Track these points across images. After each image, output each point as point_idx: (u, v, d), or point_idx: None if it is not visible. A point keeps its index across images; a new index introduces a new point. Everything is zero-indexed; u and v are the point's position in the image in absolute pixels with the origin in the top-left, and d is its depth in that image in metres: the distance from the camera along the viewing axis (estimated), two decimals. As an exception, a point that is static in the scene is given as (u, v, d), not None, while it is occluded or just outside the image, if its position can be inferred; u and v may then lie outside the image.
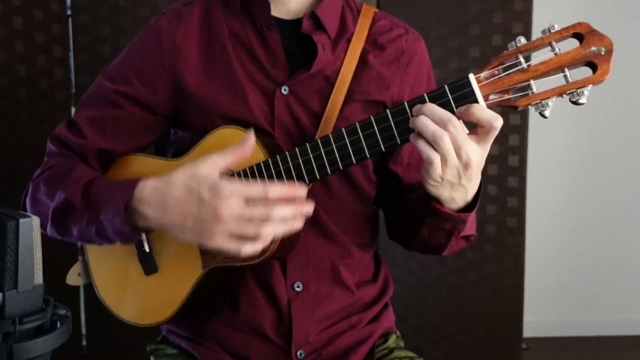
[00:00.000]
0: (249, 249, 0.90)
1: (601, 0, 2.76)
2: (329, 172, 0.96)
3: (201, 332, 1.12)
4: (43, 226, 1.03)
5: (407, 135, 0.91)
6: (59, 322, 0.70)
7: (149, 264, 1.07)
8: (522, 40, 0.88)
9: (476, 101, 0.88)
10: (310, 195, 1.05)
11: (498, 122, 0.87)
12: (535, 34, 0.89)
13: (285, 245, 0.98)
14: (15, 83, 1.93)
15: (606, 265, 2.94)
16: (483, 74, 0.89)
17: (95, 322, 2.08)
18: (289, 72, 1.07)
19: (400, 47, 1.12)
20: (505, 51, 0.89)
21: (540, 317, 2.84)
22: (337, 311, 1.11)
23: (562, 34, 0.88)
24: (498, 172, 2.08)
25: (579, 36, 0.88)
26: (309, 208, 0.92)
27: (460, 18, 2.06)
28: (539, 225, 2.67)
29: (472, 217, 1.01)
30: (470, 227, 1.05)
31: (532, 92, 0.88)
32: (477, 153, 0.89)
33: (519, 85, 0.89)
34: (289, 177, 0.97)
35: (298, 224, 0.92)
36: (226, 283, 1.08)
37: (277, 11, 1.09)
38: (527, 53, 0.89)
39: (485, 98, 0.89)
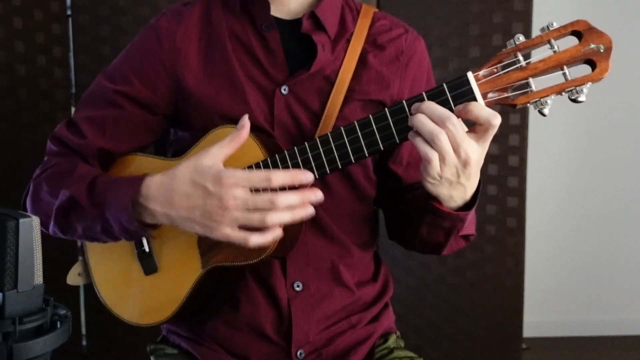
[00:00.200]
0: (256, 239, 0.91)
1: (601, 0, 2.76)
2: (328, 171, 0.96)
3: (201, 332, 1.12)
4: (45, 225, 1.03)
5: (406, 134, 0.91)
6: (59, 322, 0.70)
7: (148, 264, 1.07)
8: (521, 38, 0.88)
9: (475, 99, 0.88)
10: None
11: (496, 120, 0.87)
12: (535, 34, 0.89)
13: (285, 244, 0.98)
14: (15, 83, 1.93)
15: (606, 265, 2.95)
16: (482, 72, 0.89)
17: (95, 322, 2.08)
18: (289, 72, 1.07)
19: (399, 47, 1.12)
20: (503, 49, 0.89)
21: (540, 317, 2.84)
22: (337, 311, 1.11)
23: (561, 32, 0.87)
24: (498, 172, 2.08)
25: (577, 34, 0.88)
26: (318, 194, 0.92)
27: (460, 18, 2.06)
28: (539, 225, 2.67)
29: (471, 216, 1.01)
30: (469, 226, 1.05)
31: (531, 90, 0.88)
32: (476, 151, 0.89)
33: (518, 83, 0.89)
34: None
35: (307, 211, 0.92)
36: (226, 283, 1.08)
37: (277, 11, 1.09)
38: (525, 51, 0.89)
39: (484, 96, 0.89)
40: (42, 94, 1.99)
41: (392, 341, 1.18)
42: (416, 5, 2.06)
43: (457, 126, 0.87)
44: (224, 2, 1.10)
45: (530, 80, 0.88)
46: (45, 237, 0.94)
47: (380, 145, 0.93)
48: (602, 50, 0.86)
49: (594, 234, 2.93)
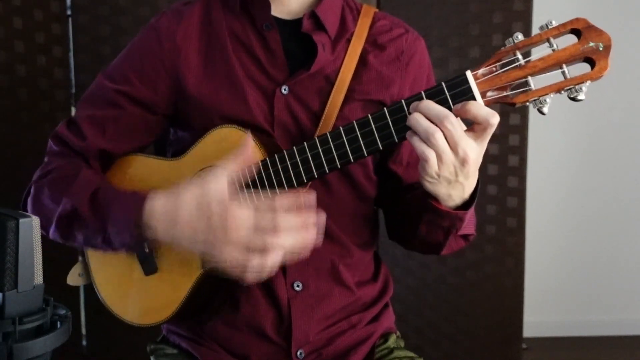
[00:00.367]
0: (257, 261, 0.88)
1: (601, 0, 2.76)
2: (327, 171, 0.96)
3: (201, 331, 1.12)
4: (45, 229, 1.02)
5: (405, 133, 0.91)
6: (59, 322, 0.70)
7: (148, 264, 1.07)
8: (520, 36, 0.88)
9: (473, 98, 0.88)
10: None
11: (494, 119, 0.87)
12: (535, 33, 0.89)
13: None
14: (15, 83, 1.93)
15: (606, 265, 2.95)
16: (480, 71, 0.89)
17: (95, 322, 2.08)
18: (289, 72, 1.07)
19: (400, 47, 1.12)
20: (502, 48, 0.89)
21: (540, 317, 2.84)
22: (337, 311, 1.11)
23: (560, 30, 0.87)
24: (498, 172, 2.08)
25: (576, 32, 0.88)
26: (320, 218, 0.90)
27: (460, 18, 2.06)
28: (539, 225, 2.67)
29: (469, 215, 1.01)
30: (468, 226, 1.05)
31: (530, 89, 0.88)
32: (475, 150, 0.89)
33: (517, 82, 0.88)
34: (287, 176, 0.97)
35: (310, 235, 0.88)
36: (226, 283, 1.08)
37: (277, 11, 1.09)
38: (524, 49, 0.89)
39: (483, 95, 0.89)
40: (42, 94, 1.99)
41: (392, 341, 1.18)
42: (416, 5, 2.06)
43: (455, 125, 0.87)
44: (224, 2, 1.10)
45: (530, 78, 0.88)
46: (45, 237, 0.94)
47: (380, 145, 0.93)
48: (601, 49, 0.86)
49: (594, 234, 2.93)
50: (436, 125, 0.87)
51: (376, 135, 0.93)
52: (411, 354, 1.17)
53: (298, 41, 1.08)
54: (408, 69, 1.12)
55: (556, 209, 2.91)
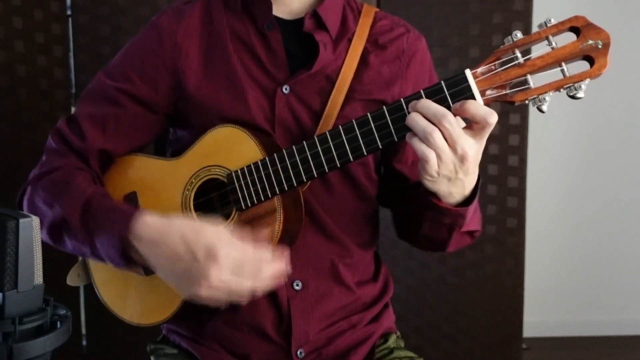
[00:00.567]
0: (229, 298, 0.91)
1: (601, 1, 2.76)
2: (327, 170, 0.96)
3: (201, 331, 1.12)
4: None
5: (404, 132, 0.91)
6: (59, 322, 0.70)
7: (148, 264, 1.07)
8: (519, 34, 0.88)
9: (473, 97, 0.88)
10: (310, 193, 1.06)
11: (492, 118, 0.87)
12: (535, 33, 0.89)
13: (285, 243, 0.98)
14: (15, 83, 1.93)
15: (606, 265, 2.94)
16: (480, 70, 0.89)
17: (95, 322, 2.08)
18: (290, 71, 1.07)
19: (401, 47, 1.12)
20: (501, 46, 0.89)
21: (540, 317, 2.84)
22: (336, 310, 1.11)
23: (559, 28, 0.87)
24: (498, 172, 2.08)
25: (575, 30, 0.88)
26: (287, 270, 0.94)
27: (460, 18, 2.06)
28: (539, 225, 2.67)
29: (472, 211, 1.01)
30: (472, 222, 1.05)
31: (529, 87, 0.88)
32: (473, 147, 0.89)
33: (516, 80, 0.89)
34: (287, 175, 0.97)
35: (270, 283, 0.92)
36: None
37: (278, 11, 1.09)
38: (523, 48, 0.89)
39: (482, 93, 0.89)
40: (42, 94, 1.99)
41: (392, 341, 1.18)
42: (416, 5, 2.06)
43: (453, 124, 0.87)
44: (225, 1, 1.10)
45: (529, 77, 0.88)
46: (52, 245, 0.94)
47: (379, 144, 0.93)
48: (600, 46, 0.86)
49: (594, 234, 2.93)
50: (434, 125, 0.87)
51: (375, 134, 0.93)
52: (411, 354, 1.17)
53: (299, 41, 1.08)
54: (409, 68, 1.12)
55: (556, 209, 2.91)
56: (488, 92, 0.89)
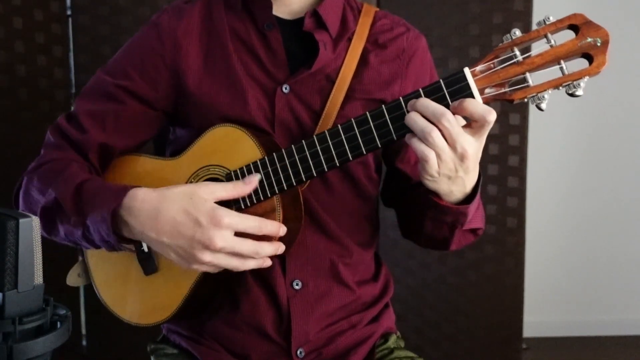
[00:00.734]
0: (234, 264, 0.94)
1: (601, 1, 2.76)
2: (326, 169, 0.96)
3: (201, 331, 1.12)
4: None
5: (403, 131, 0.91)
6: (59, 322, 0.70)
7: (148, 264, 1.07)
8: (517, 32, 0.88)
9: (472, 95, 0.88)
10: (310, 192, 1.06)
11: (491, 116, 0.87)
12: (535, 33, 0.89)
13: (284, 243, 0.98)
14: (15, 83, 1.93)
15: (606, 265, 2.94)
16: (478, 68, 0.89)
17: (95, 322, 2.08)
18: (290, 71, 1.07)
19: (401, 46, 1.12)
20: (500, 44, 0.89)
21: (540, 317, 2.84)
22: (336, 309, 1.11)
23: (558, 26, 0.87)
24: (498, 172, 2.08)
25: (574, 28, 0.87)
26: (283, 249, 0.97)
27: (460, 18, 2.06)
28: (539, 225, 2.67)
29: (474, 209, 1.01)
30: (475, 220, 1.05)
31: (528, 85, 0.88)
32: (473, 145, 0.89)
33: (515, 78, 0.88)
34: (286, 175, 0.97)
35: (268, 262, 0.97)
36: (226, 282, 1.08)
37: (278, 11, 1.09)
38: (522, 45, 0.89)
39: (481, 92, 0.89)
40: (42, 94, 1.99)
41: (392, 341, 1.18)
42: (416, 5, 2.07)
43: (453, 122, 0.87)
44: (225, 0, 1.10)
45: (528, 75, 0.88)
46: (45, 237, 0.94)
47: (378, 143, 0.93)
48: (599, 44, 0.86)
49: (594, 234, 2.93)
50: (433, 124, 0.87)
51: (375, 133, 0.93)
52: (411, 354, 1.17)
53: (299, 41, 1.08)
54: (409, 67, 1.12)
55: (556, 209, 2.91)
56: (487, 90, 0.89)
